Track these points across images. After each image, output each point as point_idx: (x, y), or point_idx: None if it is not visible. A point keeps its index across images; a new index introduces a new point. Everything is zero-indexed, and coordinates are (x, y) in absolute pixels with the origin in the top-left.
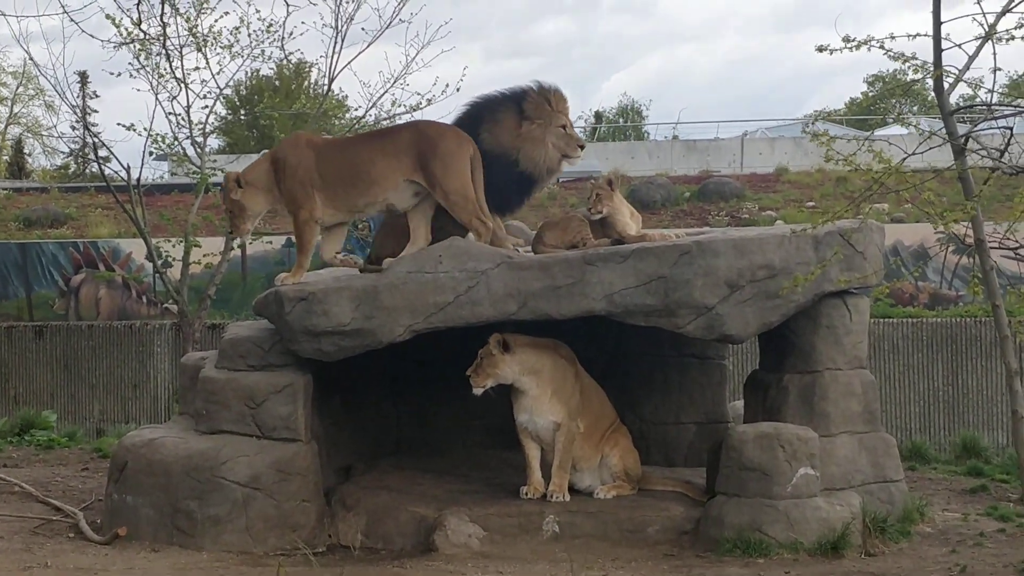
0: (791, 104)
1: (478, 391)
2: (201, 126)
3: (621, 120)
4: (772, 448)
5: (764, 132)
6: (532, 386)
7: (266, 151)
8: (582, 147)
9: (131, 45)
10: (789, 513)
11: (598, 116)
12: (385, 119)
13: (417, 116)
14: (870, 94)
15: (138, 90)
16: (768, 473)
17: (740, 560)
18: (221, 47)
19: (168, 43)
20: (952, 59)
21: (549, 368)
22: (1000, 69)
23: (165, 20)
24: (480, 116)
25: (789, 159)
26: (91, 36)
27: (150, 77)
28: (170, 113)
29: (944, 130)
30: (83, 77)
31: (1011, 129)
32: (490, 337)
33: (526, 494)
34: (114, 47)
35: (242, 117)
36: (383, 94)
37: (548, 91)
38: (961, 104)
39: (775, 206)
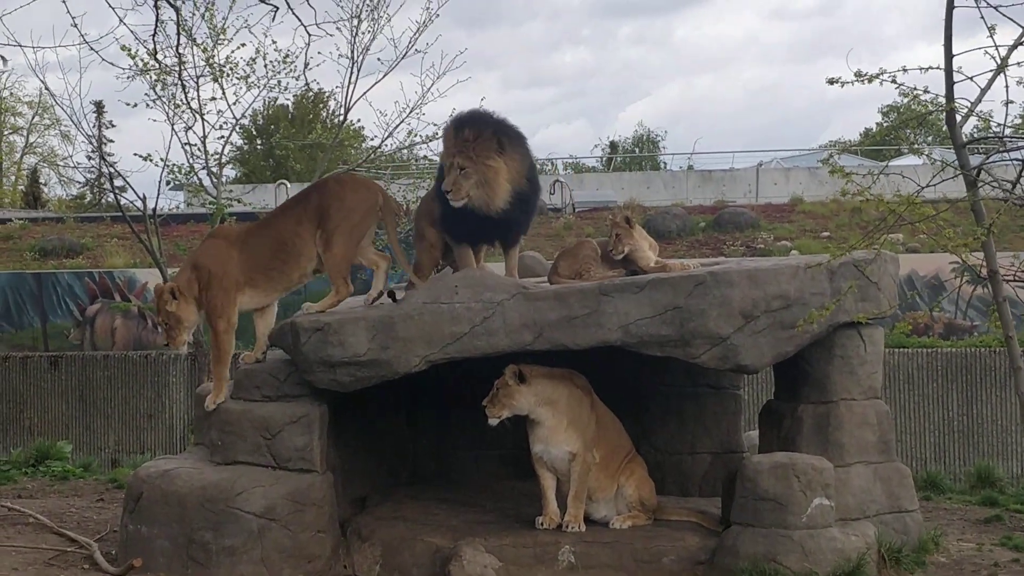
0: (806, 134)
1: (493, 422)
2: (217, 156)
3: (637, 150)
4: (787, 478)
5: (779, 162)
6: (548, 416)
7: (190, 255)
8: (448, 192)
9: (147, 75)
10: (804, 543)
11: (613, 146)
12: (402, 149)
13: (433, 146)
14: (884, 125)
15: (154, 120)
16: (783, 503)
17: None
18: (237, 78)
19: (184, 73)
20: (966, 91)
21: (565, 398)
22: (1012, 102)
23: (181, 51)
24: None
25: (804, 189)
26: (110, 64)
27: (166, 107)
28: (186, 143)
29: (957, 162)
30: (99, 107)
31: (1023, 161)
32: (506, 368)
33: (542, 524)
34: (129, 78)
35: (258, 147)
36: (399, 124)
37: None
38: (975, 135)
39: (790, 236)
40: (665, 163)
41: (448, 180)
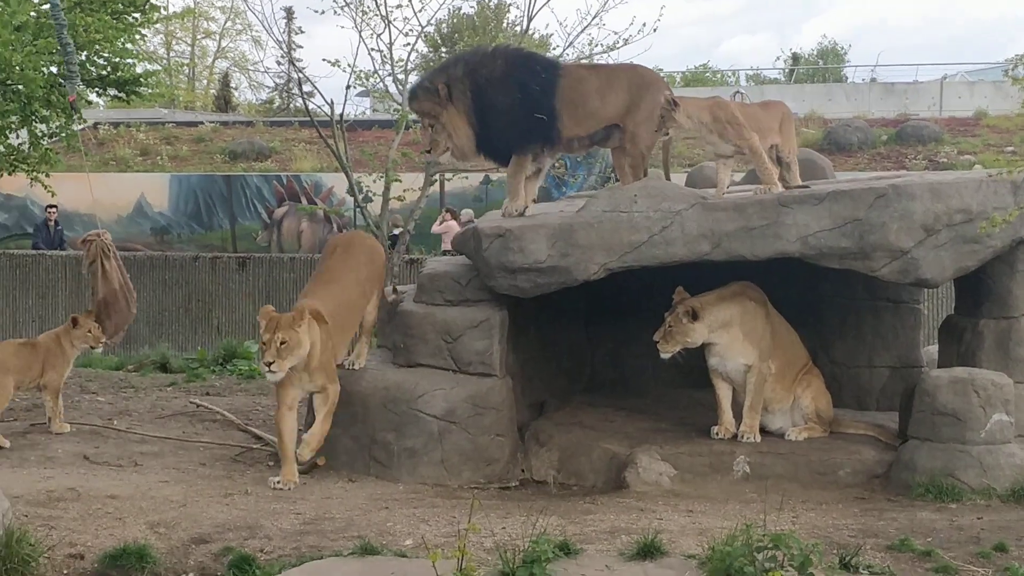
0: (992, 48)
1: (666, 356)
2: (403, 63)
3: (820, 62)
4: (966, 393)
5: (964, 75)
6: (723, 337)
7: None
8: (428, 151)
9: None
10: (982, 459)
11: (795, 58)
12: (583, 58)
13: (614, 56)
14: None
15: (342, 27)
16: (962, 418)
17: (932, 505)
18: None
19: None
20: None
21: (739, 316)
22: None
23: None
24: None
25: (989, 103)
26: None
27: (354, 14)
28: (373, 50)
29: None
30: (289, 13)
31: None
32: (678, 306)
33: (717, 434)
34: None
35: (442, 55)
36: (580, 33)
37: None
38: None
39: (974, 150)
40: (847, 76)
41: (425, 139)
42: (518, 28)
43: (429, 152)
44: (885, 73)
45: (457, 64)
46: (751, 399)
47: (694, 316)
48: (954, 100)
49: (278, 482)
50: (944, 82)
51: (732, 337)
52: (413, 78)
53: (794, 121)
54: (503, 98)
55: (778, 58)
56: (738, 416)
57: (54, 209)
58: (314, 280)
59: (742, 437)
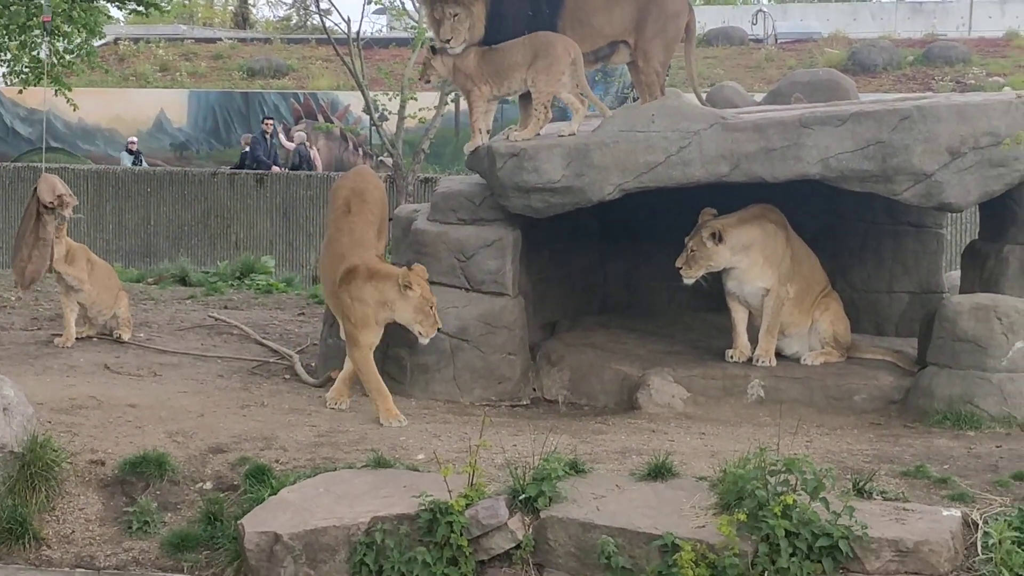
0: None
1: (689, 282)
2: None
3: None
4: (988, 320)
5: None
6: (743, 261)
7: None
8: (448, 40)
9: None
10: (1003, 387)
11: None
12: None
13: None
14: None
15: None
16: (983, 345)
17: (949, 432)
18: None
19: None
20: None
21: (759, 239)
22: None
23: None
24: None
25: (1020, 23)
26: None
27: None
28: None
29: None
30: None
31: None
32: (702, 228)
33: (731, 357)
34: None
35: None
36: None
37: None
38: None
39: (1003, 72)
40: None
41: (444, 28)
42: None
43: (448, 42)
44: None
45: None
46: (768, 323)
47: (719, 239)
48: (984, 20)
49: (379, 419)
50: (974, 1)
51: (752, 261)
52: None
53: (561, 58)
54: (516, 8)
55: None
56: (753, 340)
57: (271, 120)
58: (350, 241)
59: (757, 361)
